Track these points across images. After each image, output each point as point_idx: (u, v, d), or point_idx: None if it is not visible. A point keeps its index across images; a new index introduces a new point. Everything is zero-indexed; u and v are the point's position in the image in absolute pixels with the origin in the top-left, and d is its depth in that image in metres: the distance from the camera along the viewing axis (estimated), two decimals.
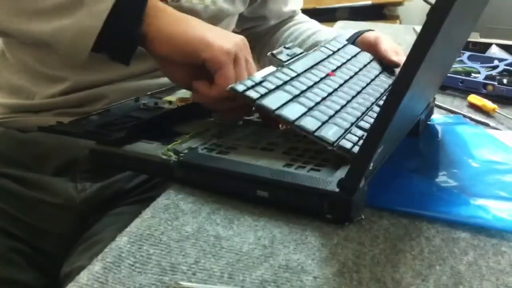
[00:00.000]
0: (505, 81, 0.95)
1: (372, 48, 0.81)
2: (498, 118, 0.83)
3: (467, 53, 1.09)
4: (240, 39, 0.62)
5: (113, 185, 0.74)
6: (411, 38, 1.39)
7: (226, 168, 0.53)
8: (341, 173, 0.51)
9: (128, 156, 0.58)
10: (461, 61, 1.06)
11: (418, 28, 1.43)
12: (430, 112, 0.76)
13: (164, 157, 0.56)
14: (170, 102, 0.73)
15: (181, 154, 0.56)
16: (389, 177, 0.56)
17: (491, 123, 0.80)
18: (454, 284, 0.41)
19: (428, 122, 0.76)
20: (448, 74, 0.95)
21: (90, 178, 0.74)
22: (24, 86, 0.77)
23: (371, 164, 0.47)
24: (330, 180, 0.49)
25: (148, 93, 0.76)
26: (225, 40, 0.60)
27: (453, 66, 1.01)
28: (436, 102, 0.83)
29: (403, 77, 0.42)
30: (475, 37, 1.24)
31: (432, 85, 0.69)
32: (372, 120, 0.60)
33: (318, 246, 0.46)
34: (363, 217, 0.50)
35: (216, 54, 0.59)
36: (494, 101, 0.86)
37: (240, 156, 0.56)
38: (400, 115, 0.45)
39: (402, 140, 0.61)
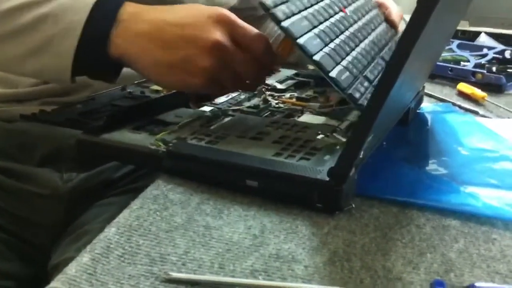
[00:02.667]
0: (494, 69, 0.96)
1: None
2: (488, 106, 0.84)
3: (457, 42, 1.09)
4: (211, 35, 0.58)
5: (99, 175, 0.73)
6: (401, 27, 1.39)
7: (215, 158, 0.53)
8: (331, 162, 0.50)
9: (116, 146, 0.58)
10: (451, 50, 1.06)
11: (408, 17, 1.43)
12: (420, 101, 0.76)
13: (153, 147, 0.55)
14: (156, 91, 0.72)
15: (170, 144, 0.55)
16: (379, 166, 0.56)
17: (481, 111, 0.80)
18: (445, 271, 0.41)
19: (417, 111, 0.76)
20: (438, 63, 0.95)
21: (76, 168, 0.73)
22: (7, 75, 0.76)
23: (361, 153, 0.47)
24: (320, 169, 0.49)
25: (135, 82, 0.75)
26: (194, 66, 0.58)
27: (443, 54, 1.01)
28: (425, 91, 0.83)
29: (393, 65, 0.42)
30: (464, 26, 1.23)
31: (422, 74, 0.69)
32: (376, 73, 0.59)
33: (308, 235, 0.45)
34: (353, 206, 0.50)
35: (195, 91, 0.63)
36: (483, 89, 0.87)
37: (229, 145, 0.55)
38: (390, 103, 0.45)
39: (392, 129, 0.61)
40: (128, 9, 0.59)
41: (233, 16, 0.59)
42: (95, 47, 0.58)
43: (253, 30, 0.60)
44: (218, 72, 0.58)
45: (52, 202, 0.72)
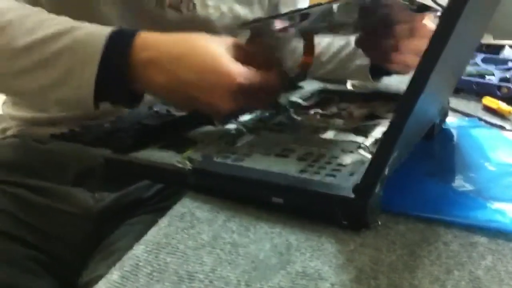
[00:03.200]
0: None
1: None
2: None
3: (481, 55, 1.08)
4: (226, 67, 0.59)
5: (130, 194, 0.75)
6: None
7: (241, 175, 0.53)
8: (356, 178, 0.50)
9: (143, 164, 0.59)
10: (475, 63, 1.05)
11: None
12: (445, 115, 0.76)
13: (179, 165, 0.56)
14: None
15: (196, 162, 0.56)
16: (404, 182, 0.56)
17: (507, 126, 0.79)
18: None
19: (443, 126, 0.75)
20: (462, 77, 0.94)
21: (108, 188, 0.74)
22: None
23: (386, 169, 0.47)
24: (345, 185, 0.49)
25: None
26: (214, 92, 0.59)
27: (467, 68, 1.00)
28: (450, 105, 0.83)
29: (416, 80, 0.42)
30: (488, 39, 1.23)
31: (446, 88, 0.69)
32: None
33: (334, 252, 0.46)
34: (379, 222, 0.49)
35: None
36: (509, 103, 0.86)
37: (255, 163, 0.56)
38: (414, 118, 0.45)
39: (417, 144, 0.61)
40: (141, 55, 0.60)
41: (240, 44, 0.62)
42: (114, 75, 0.59)
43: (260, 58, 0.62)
44: (236, 105, 0.60)
45: (84, 221, 0.73)
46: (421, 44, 0.81)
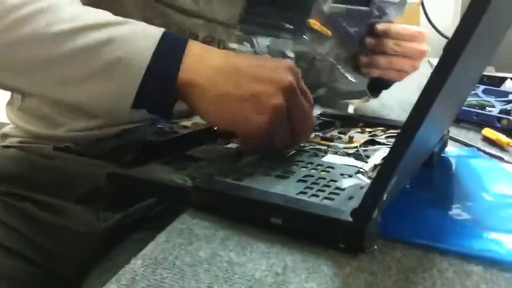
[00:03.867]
0: None
1: None
2: None
3: (482, 87, 1.09)
4: (285, 77, 0.59)
5: (134, 214, 0.75)
6: (426, 71, 1.40)
7: (241, 194, 0.54)
8: (354, 202, 0.51)
9: (144, 180, 0.59)
10: (476, 95, 1.06)
11: (433, 60, 1.44)
12: (444, 145, 0.77)
13: (180, 182, 0.56)
14: (185, 127, 0.74)
15: (197, 180, 0.56)
16: (402, 208, 0.56)
17: (506, 157, 0.80)
18: None
19: (442, 155, 0.76)
20: (463, 107, 0.95)
21: (112, 208, 0.74)
22: (51, 116, 0.78)
23: (385, 195, 0.48)
24: (343, 209, 0.49)
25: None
26: (262, 103, 0.58)
27: (468, 99, 1.01)
28: (450, 135, 0.83)
29: (419, 109, 0.43)
30: (490, 71, 1.24)
31: (447, 118, 0.70)
32: None
33: (330, 275, 0.46)
34: (376, 247, 0.50)
35: (251, 134, 0.59)
36: (508, 135, 0.87)
37: (255, 182, 0.56)
38: (415, 146, 0.45)
39: (416, 172, 0.62)
40: (197, 44, 0.60)
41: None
42: (163, 75, 0.57)
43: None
44: (282, 116, 0.58)
45: (87, 240, 0.73)
46: (409, 46, 0.82)
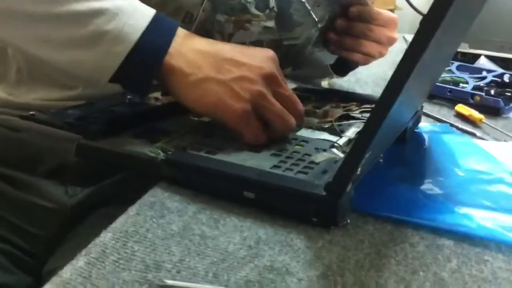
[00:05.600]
0: (492, 92, 0.97)
1: None
2: (485, 129, 0.84)
3: (456, 63, 1.10)
4: (266, 65, 0.60)
5: (104, 189, 0.73)
6: (401, 46, 1.40)
7: (214, 168, 0.53)
8: (328, 176, 0.51)
9: (115, 152, 0.58)
10: (450, 71, 1.07)
11: (408, 36, 1.44)
12: (418, 120, 0.77)
13: (152, 154, 0.55)
14: (156, 99, 0.72)
15: (170, 153, 0.56)
16: (375, 183, 0.57)
17: (478, 133, 0.81)
18: None
19: (415, 130, 0.76)
20: (437, 83, 0.96)
21: (81, 183, 0.73)
22: (22, 81, 0.76)
23: (359, 169, 0.48)
24: (317, 183, 0.49)
25: None
26: (242, 88, 0.58)
27: (442, 75, 1.02)
28: (424, 111, 0.84)
29: (393, 84, 0.42)
30: (464, 48, 1.25)
31: (421, 93, 0.70)
32: None
33: (303, 248, 0.46)
34: (348, 221, 0.50)
35: (230, 119, 0.58)
36: (481, 112, 0.87)
37: (228, 156, 0.56)
38: (389, 121, 0.45)
39: (389, 147, 0.62)
40: (182, 30, 0.60)
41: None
42: (149, 56, 0.57)
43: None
44: (261, 103, 0.58)
45: (55, 216, 0.71)
46: (379, 32, 0.82)
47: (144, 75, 0.59)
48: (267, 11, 0.68)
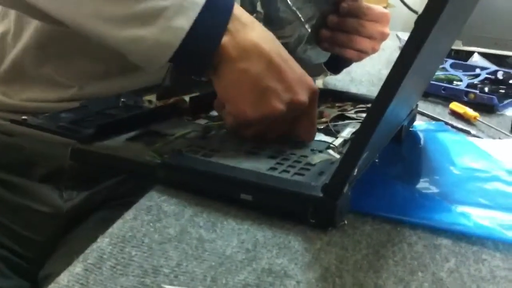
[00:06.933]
0: (486, 89, 0.97)
1: None
2: (479, 126, 0.84)
3: (450, 61, 1.10)
4: (313, 83, 0.60)
5: (100, 193, 0.73)
6: (394, 44, 1.40)
7: (210, 170, 0.53)
8: (325, 178, 0.51)
9: (111, 156, 0.58)
10: (444, 69, 1.07)
11: (401, 34, 1.44)
12: (413, 119, 0.77)
13: (148, 158, 0.55)
14: (150, 102, 0.72)
15: (166, 156, 0.55)
16: (372, 183, 0.57)
17: (472, 131, 0.81)
18: None
19: (410, 129, 0.76)
20: (431, 82, 0.96)
21: (76, 187, 0.72)
22: (10, 81, 0.75)
23: (355, 170, 0.47)
24: (314, 184, 0.49)
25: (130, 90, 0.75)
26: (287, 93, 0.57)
27: (436, 73, 1.02)
28: (418, 109, 0.84)
29: (389, 84, 0.42)
30: (458, 45, 1.25)
31: (416, 92, 0.70)
32: None
33: (301, 250, 0.46)
34: (346, 222, 0.50)
35: (264, 114, 0.58)
36: (475, 109, 0.88)
37: (225, 159, 0.56)
38: (385, 121, 0.45)
39: (385, 146, 0.62)
40: (244, 13, 0.59)
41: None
42: (210, 31, 0.56)
43: None
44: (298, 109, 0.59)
45: (51, 220, 0.71)
46: (371, 27, 0.82)
47: (204, 53, 0.56)
48: (254, 15, 0.68)
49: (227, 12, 0.57)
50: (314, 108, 0.61)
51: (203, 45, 0.56)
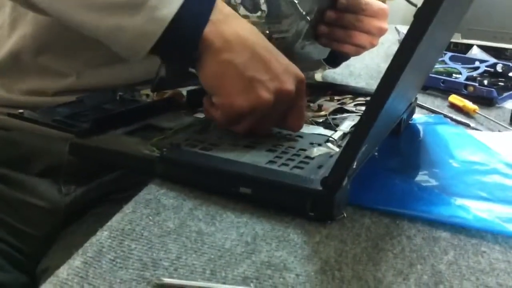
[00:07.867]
0: (485, 82, 0.97)
1: None
2: (478, 119, 0.84)
3: (449, 54, 1.10)
4: (300, 73, 0.60)
5: (98, 188, 0.73)
6: (393, 37, 1.40)
7: (209, 164, 0.53)
8: (324, 171, 0.51)
9: (110, 150, 0.58)
10: (443, 62, 1.07)
11: (400, 27, 1.44)
12: (412, 112, 0.77)
13: (147, 152, 0.55)
14: (147, 95, 0.72)
15: (164, 150, 0.55)
16: (371, 176, 0.57)
17: (472, 124, 0.81)
18: (434, 283, 0.42)
19: (409, 122, 0.76)
20: (430, 74, 0.96)
21: (75, 182, 0.72)
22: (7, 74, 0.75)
23: (355, 163, 0.47)
24: (313, 178, 0.49)
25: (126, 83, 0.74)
26: (273, 83, 0.57)
27: (435, 66, 1.02)
28: (417, 102, 0.84)
29: (388, 77, 0.42)
30: (457, 38, 1.25)
31: (415, 85, 0.70)
32: None
33: (300, 243, 0.46)
34: (345, 215, 0.50)
35: (249, 105, 0.57)
36: (474, 102, 0.88)
37: (223, 152, 0.56)
38: (384, 114, 0.45)
39: (384, 139, 0.62)
40: (227, 7, 0.59)
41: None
42: (192, 21, 0.55)
43: None
44: (285, 100, 0.58)
45: (49, 215, 0.71)
46: (368, 22, 0.82)
47: (187, 43, 0.56)
48: (258, 13, 0.68)
49: (210, 3, 0.57)
50: (302, 97, 0.60)
51: (186, 34, 0.56)
